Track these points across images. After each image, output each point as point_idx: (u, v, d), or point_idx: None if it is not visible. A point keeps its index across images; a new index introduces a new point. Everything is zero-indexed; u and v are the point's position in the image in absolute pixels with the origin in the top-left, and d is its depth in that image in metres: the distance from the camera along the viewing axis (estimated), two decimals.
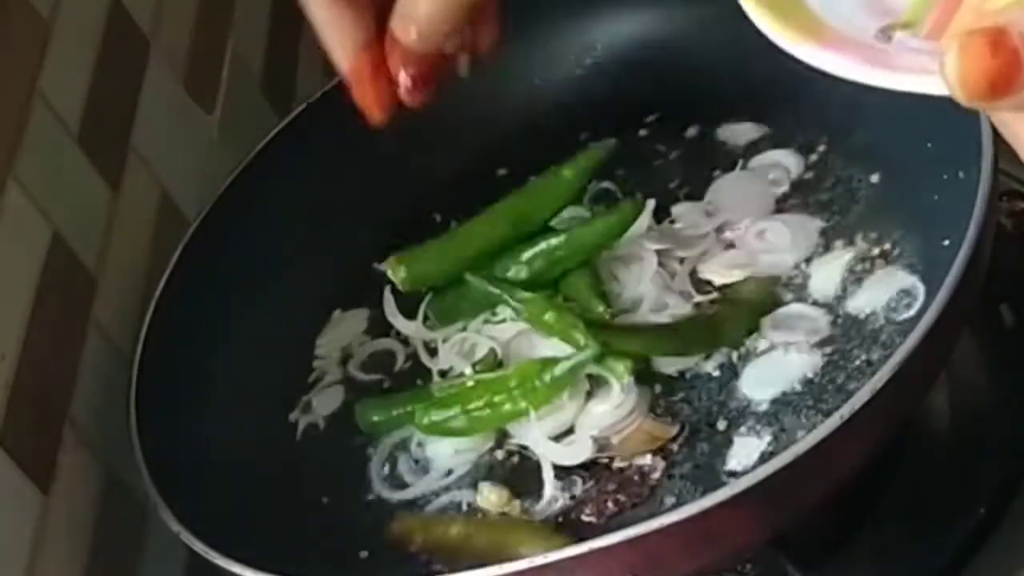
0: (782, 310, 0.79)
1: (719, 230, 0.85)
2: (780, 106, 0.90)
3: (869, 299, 0.78)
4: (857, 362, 0.75)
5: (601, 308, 0.80)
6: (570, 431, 0.77)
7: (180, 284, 0.87)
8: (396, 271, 0.85)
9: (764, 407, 0.75)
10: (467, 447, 0.79)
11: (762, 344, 0.78)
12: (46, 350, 0.79)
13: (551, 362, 0.76)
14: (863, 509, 0.77)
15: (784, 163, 0.88)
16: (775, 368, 0.77)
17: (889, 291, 0.77)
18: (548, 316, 0.79)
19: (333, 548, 0.79)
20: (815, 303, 0.79)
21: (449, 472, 0.80)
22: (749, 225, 0.84)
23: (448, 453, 0.80)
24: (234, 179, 0.93)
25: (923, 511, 0.77)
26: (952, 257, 0.68)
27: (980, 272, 0.69)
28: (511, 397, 0.77)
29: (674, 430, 0.76)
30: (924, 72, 0.46)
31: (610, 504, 0.74)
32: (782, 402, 0.75)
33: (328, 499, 0.82)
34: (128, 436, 0.78)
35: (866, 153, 0.85)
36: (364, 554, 0.78)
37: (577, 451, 0.76)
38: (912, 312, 0.75)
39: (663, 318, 0.80)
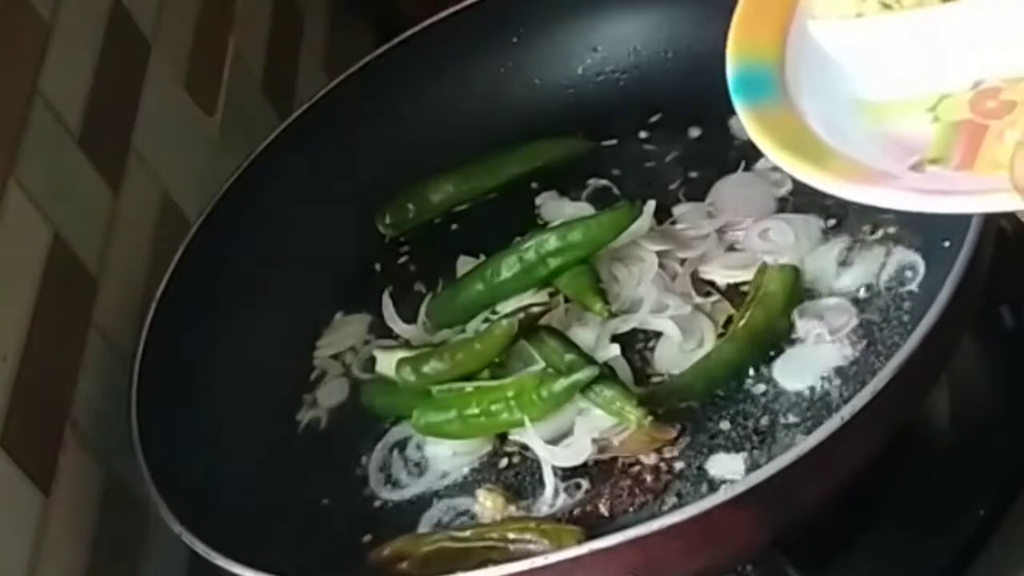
0: (810, 302, 0.79)
1: (721, 231, 0.85)
2: None
3: (863, 274, 0.79)
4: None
5: (599, 306, 0.80)
6: (570, 432, 0.77)
7: (181, 285, 0.87)
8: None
9: (765, 407, 0.75)
10: (465, 450, 0.79)
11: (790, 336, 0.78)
12: (47, 351, 0.79)
13: (550, 378, 0.76)
14: (863, 510, 0.77)
15: None
16: (805, 360, 0.77)
17: (888, 267, 0.78)
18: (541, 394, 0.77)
19: (333, 549, 0.79)
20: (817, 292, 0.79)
21: (445, 475, 0.80)
22: (752, 225, 0.84)
23: (447, 455, 0.80)
24: (235, 180, 0.93)
25: (923, 512, 0.77)
26: (952, 259, 0.68)
27: (980, 274, 0.70)
28: (508, 407, 0.77)
29: (674, 432, 0.75)
30: (984, 192, 0.49)
31: (625, 498, 0.74)
32: (788, 400, 0.75)
33: (329, 500, 0.82)
34: (129, 437, 0.78)
35: None
36: (364, 554, 0.78)
37: (576, 452, 0.76)
38: (914, 285, 0.76)
39: (663, 319, 0.80)
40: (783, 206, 0.86)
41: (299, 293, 0.93)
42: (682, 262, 0.83)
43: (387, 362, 0.84)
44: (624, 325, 0.81)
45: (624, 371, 0.78)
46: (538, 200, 0.93)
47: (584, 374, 0.75)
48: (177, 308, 0.86)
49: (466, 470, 0.79)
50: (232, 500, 0.79)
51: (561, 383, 0.75)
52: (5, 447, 0.74)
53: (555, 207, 0.92)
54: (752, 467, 0.72)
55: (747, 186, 0.88)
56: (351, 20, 1.32)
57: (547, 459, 0.76)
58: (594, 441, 0.76)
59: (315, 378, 0.89)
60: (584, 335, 0.81)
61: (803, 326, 0.78)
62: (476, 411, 0.78)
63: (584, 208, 0.90)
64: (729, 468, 0.73)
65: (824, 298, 0.79)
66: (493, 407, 0.77)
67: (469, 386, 0.79)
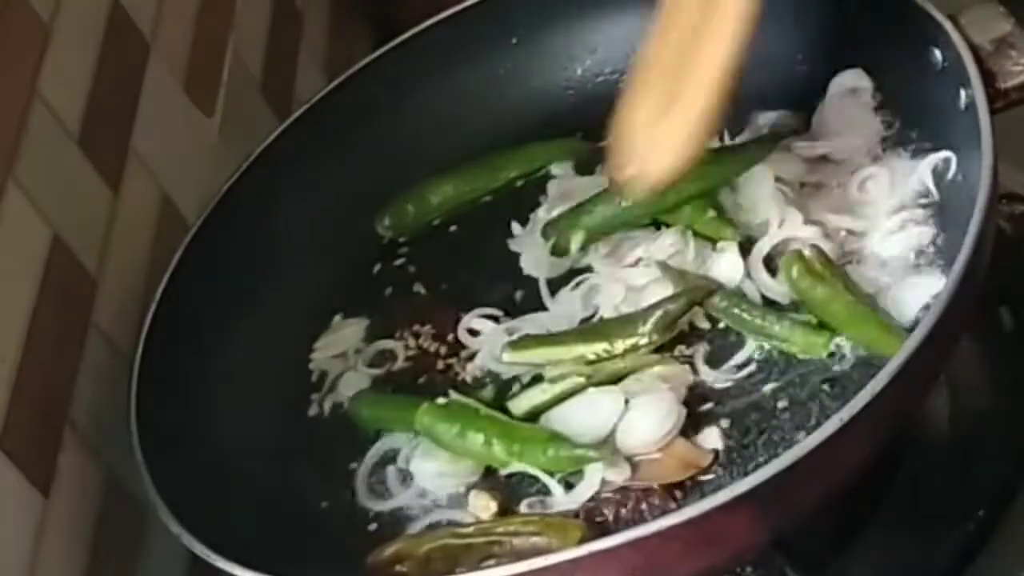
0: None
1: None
2: (777, 107, 0.90)
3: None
4: None
5: (730, 231, 0.81)
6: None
7: (180, 287, 0.87)
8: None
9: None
10: (451, 472, 0.78)
11: None
12: (46, 353, 0.79)
13: (561, 441, 0.75)
14: (863, 510, 0.77)
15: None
16: None
17: None
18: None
19: (332, 550, 0.79)
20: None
21: (426, 493, 0.78)
22: (855, 171, 0.83)
23: (432, 473, 0.78)
24: (234, 182, 0.93)
25: (923, 512, 0.77)
26: (952, 260, 0.68)
27: (980, 274, 0.69)
28: (509, 450, 0.76)
29: (709, 457, 0.73)
30: None
31: (631, 507, 0.73)
32: None
33: (328, 502, 0.82)
34: (128, 438, 0.78)
35: None
36: (362, 555, 0.77)
37: (583, 492, 0.74)
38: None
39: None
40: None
41: (298, 294, 0.93)
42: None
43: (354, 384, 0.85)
44: (762, 247, 0.80)
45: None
46: (554, 169, 0.94)
47: (597, 453, 0.73)
48: (176, 309, 0.86)
49: (449, 492, 0.78)
50: (231, 501, 0.79)
51: (570, 451, 0.74)
52: (4, 448, 0.74)
53: (561, 184, 0.92)
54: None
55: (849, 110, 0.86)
56: (351, 21, 1.32)
57: (555, 495, 0.75)
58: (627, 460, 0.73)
59: (316, 379, 0.89)
60: (722, 266, 0.80)
61: None
62: (479, 437, 0.76)
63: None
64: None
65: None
66: (495, 442, 0.76)
67: (483, 409, 0.78)
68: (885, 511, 0.77)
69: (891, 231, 0.78)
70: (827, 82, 0.87)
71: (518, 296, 0.87)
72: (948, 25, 0.76)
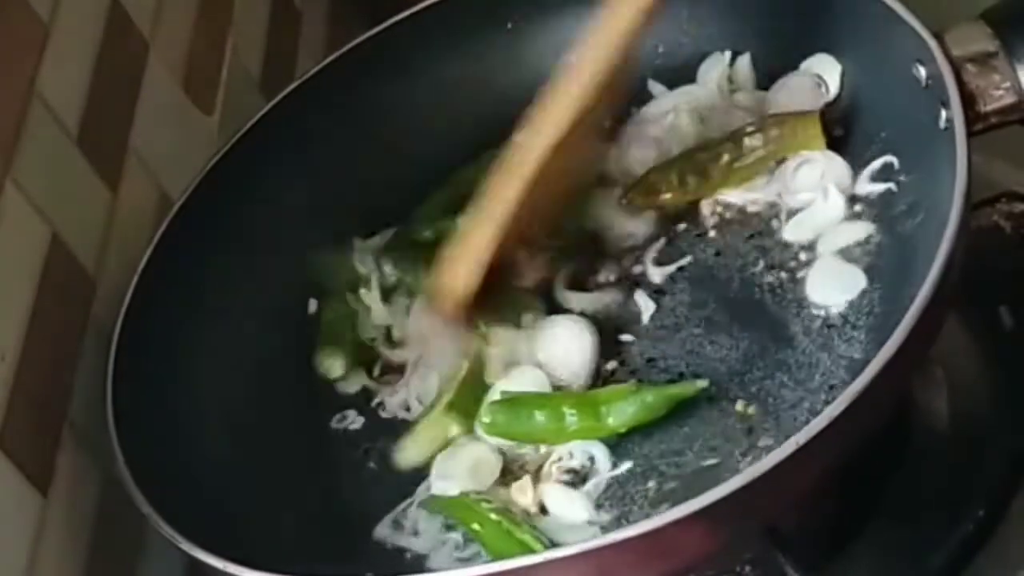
0: None
1: None
2: None
3: None
4: None
5: None
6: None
7: (161, 268, 0.87)
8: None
9: None
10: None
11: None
12: (45, 352, 0.79)
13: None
14: (863, 510, 0.77)
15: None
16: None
17: None
18: None
19: (324, 547, 0.79)
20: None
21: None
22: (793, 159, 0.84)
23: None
24: (217, 160, 0.92)
25: (923, 512, 0.78)
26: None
27: (946, 298, 0.68)
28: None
29: None
30: None
31: None
32: None
33: (319, 497, 0.82)
34: (106, 430, 0.78)
35: None
36: (355, 551, 0.77)
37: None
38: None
39: None
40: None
41: (283, 279, 0.92)
42: None
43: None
44: None
45: None
46: None
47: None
48: (156, 296, 0.86)
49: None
50: (220, 497, 0.79)
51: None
52: (4, 448, 0.74)
53: None
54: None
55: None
56: (350, 20, 1.32)
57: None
58: None
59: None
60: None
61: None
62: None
63: None
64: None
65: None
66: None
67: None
68: (885, 511, 0.77)
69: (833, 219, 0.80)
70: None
71: None
72: (933, 43, 0.75)
